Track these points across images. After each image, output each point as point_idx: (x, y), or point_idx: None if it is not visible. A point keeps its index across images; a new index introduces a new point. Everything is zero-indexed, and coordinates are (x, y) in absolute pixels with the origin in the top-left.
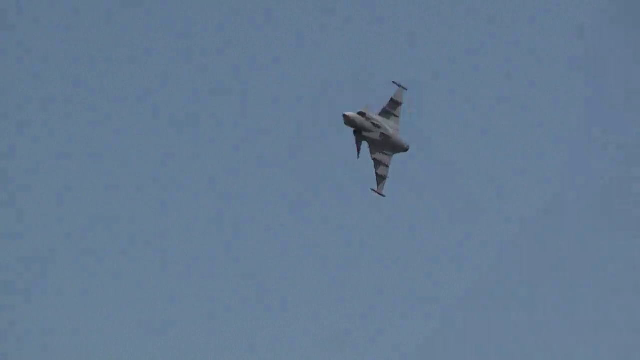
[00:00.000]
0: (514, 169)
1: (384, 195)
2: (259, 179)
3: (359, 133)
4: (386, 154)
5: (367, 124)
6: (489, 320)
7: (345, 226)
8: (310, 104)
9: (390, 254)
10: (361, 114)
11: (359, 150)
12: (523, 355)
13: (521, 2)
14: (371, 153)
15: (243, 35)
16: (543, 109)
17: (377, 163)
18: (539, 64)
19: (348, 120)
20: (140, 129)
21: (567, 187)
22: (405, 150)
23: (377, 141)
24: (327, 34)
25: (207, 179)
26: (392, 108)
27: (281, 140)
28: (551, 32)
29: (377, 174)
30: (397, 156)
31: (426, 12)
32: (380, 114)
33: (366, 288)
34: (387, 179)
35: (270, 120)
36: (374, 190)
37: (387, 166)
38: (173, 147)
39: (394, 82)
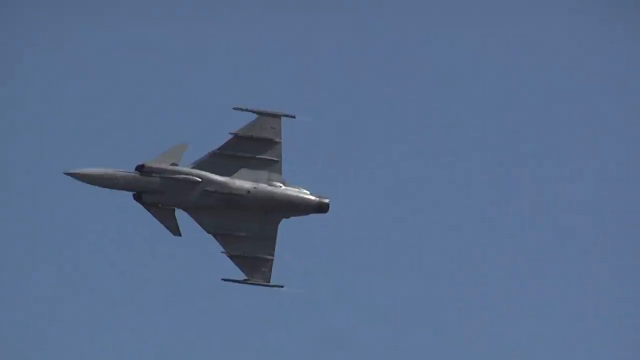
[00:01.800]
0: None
1: (280, 286)
2: None
3: (139, 198)
4: (251, 222)
5: (152, 182)
6: None
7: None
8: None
9: None
10: (139, 167)
11: (168, 226)
12: None
13: None
14: (205, 228)
15: None
16: None
17: (226, 238)
18: None
19: (87, 179)
20: None
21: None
22: (317, 207)
23: (216, 206)
24: None
25: None
26: (248, 150)
27: None
28: None
29: (230, 255)
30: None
31: None
32: (209, 159)
33: None
34: (272, 260)
35: None
36: (231, 280)
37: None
38: None
39: (235, 107)
